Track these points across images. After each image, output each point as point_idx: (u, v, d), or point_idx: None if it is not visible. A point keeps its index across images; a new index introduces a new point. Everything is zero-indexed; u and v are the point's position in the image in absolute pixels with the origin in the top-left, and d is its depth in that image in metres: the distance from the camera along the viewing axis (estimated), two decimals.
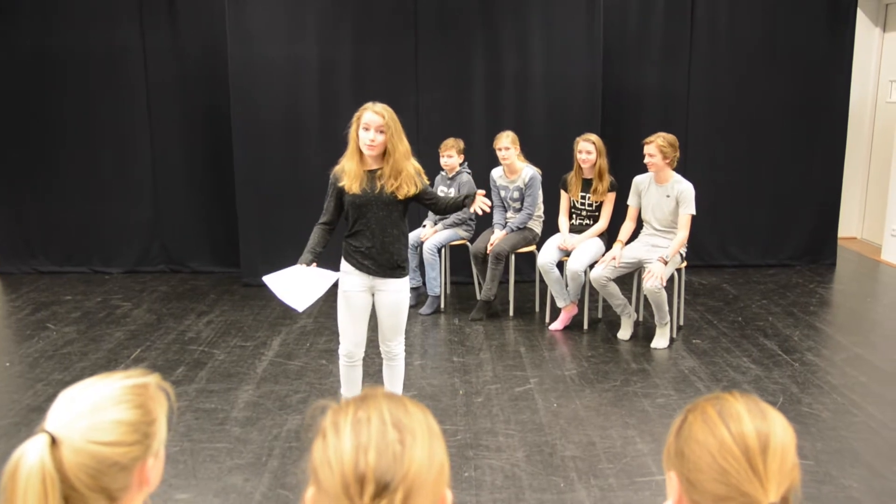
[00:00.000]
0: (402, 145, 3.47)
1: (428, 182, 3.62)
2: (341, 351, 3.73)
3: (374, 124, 3.40)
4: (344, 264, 3.63)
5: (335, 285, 3.57)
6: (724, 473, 1.12)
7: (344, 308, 3.64)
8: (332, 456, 0.99)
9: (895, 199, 7.39)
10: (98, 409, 1.12)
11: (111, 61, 6.75)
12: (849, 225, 8.40)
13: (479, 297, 5.82)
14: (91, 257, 7.06)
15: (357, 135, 3.45)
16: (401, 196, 3.49)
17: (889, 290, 6.73)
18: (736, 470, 1.11)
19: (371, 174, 3.50)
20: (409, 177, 3.48)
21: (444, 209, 3.73)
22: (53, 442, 1.08)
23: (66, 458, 1.08)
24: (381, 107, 3.44)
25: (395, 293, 3.61)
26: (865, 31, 8.01)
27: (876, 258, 7.63)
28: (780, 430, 1.15)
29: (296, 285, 3.41)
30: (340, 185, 3.52)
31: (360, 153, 3.49)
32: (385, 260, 3.55)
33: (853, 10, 7.03)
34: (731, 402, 1.19)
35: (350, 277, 3.61)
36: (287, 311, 5.85)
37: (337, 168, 3.60)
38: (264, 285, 3.57)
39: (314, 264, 3.54)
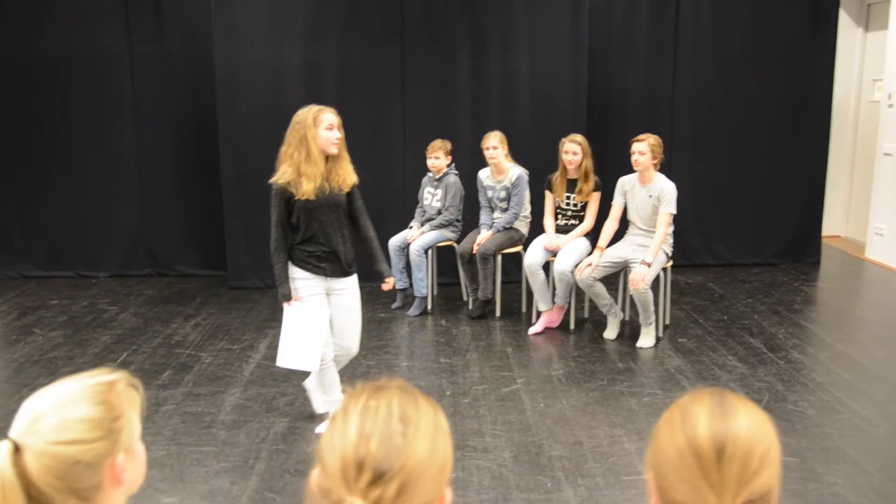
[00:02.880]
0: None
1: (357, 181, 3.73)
2: None
3: (336, 123, 3.55)
4: (298, 271, 3.65)
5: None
6: (682, 480, 1.08)
7: None
8: (337, 439, 1.02)
9: (878, 198, 7.45)
10: (58, 409, 1.12)
11: (97, 64, 6.71)
12: (833, 223, 8.47)
13: (477, 297, 5.79)
14: (77, 261, 7.02)
15: (318, 137, 3.49)
16: (347, 188, 3.62)
17: (873, 288, 6.79)
18: (690, 477, 1.07)
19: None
20: (351, 168, 3.65)
21: (355, 227, 3.80)
22: (17, 449, 1.08)
23: (30, 463, 1.08)
24: (330, 108, 3.59)
25: (351, 289, 3.75)
26: (848, 30, 8.07)
27: (860, 256, 7.69)
28: (743, 432, 1.07)
29: (299, 345, 3.60)
30: (297, 194, 3.50)
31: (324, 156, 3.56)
32: (340, 260, 3.66)
33: (835, 10, 7.09)
34: (696, 402, 1.13)
35: (306, 283, 3.65)
36: (274, 314, 5.83)
37: (279, 180, 3.54)
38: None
39: (295, 298, 3.65)
